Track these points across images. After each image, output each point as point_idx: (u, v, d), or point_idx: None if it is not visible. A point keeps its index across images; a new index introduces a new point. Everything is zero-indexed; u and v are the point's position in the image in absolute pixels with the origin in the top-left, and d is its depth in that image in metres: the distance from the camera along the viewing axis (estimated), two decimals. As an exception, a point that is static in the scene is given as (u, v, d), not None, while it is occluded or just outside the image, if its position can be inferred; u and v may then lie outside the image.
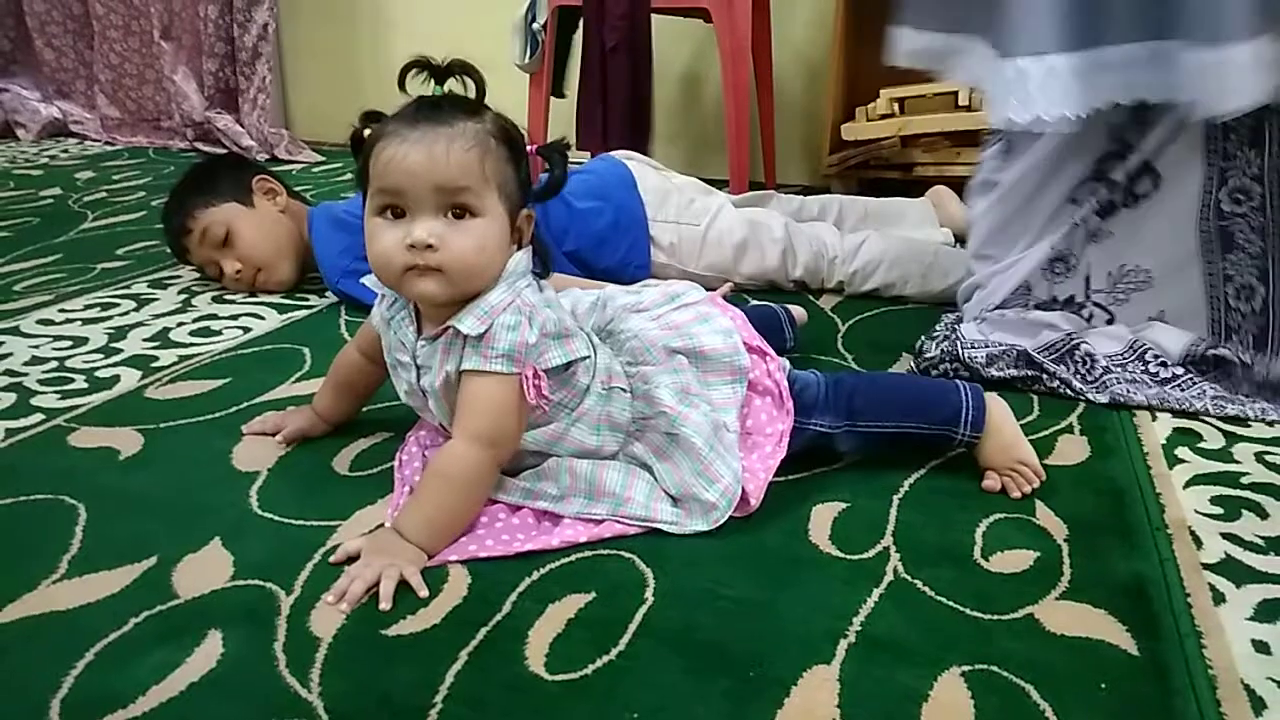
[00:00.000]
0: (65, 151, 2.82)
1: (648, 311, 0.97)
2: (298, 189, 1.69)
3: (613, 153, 1.66)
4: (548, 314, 0.85)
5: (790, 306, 1.30)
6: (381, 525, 0.86)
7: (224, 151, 2.66)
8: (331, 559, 0.82)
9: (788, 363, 0.99)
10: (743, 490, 0.87)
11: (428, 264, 0.80)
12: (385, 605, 0.75)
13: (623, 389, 0.90)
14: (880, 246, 1.52)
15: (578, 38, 2.08)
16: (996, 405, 0.96)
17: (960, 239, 1.75)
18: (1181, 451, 1.03)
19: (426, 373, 0.87)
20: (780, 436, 0.93)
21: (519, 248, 0.87)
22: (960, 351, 1.18)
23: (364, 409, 1.06)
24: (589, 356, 0.88)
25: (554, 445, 0.89)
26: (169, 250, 1.60)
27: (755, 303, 1.36)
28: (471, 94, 0.85)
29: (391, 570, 0.77)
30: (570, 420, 0.88)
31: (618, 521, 0.86)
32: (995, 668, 0.69)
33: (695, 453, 0.86)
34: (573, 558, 0.83)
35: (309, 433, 1.03)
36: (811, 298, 1.53)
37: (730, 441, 0.89)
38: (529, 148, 0.88)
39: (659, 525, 0.86)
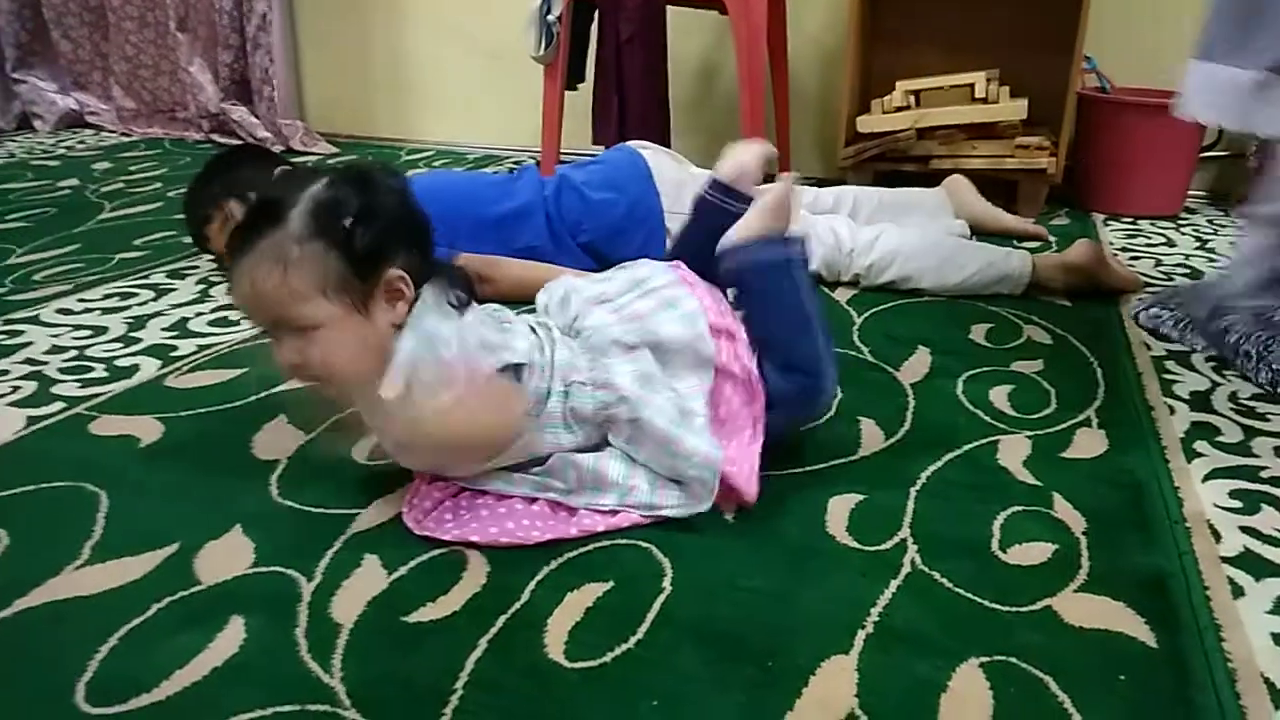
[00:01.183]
0: (82, 143, 2.84)
1: (610, 302, 0.95)
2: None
3: (629, 143, 1.65)
4: (468, 333, 0.84)
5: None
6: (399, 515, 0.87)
7: (242, 142, 2.66)
8: None
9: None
10: (737, 482, 0.86)
11: (306, 379, 0.86)
12: None
13: (582, 382, 0.89)
14: (896, 239, 1.52)
15: (593, 30, 2.08)
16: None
17: (975, 230, 1.75)
18: (1200, 445, 1.02)
19: (382, 435, 0.89)
20: (756, 421, 0.92)
21: (407, 300, 0.85)
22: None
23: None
24: (527, 364, 0.87)
25: (533, 452, 0.89)
26: (189, 239, 1.61)
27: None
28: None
29: None
30: (539, 427, 0.88)
31: (629, 511, 0.86)
32: (1014, 659, 0.69)
33: (661, 435, 0.85)
34: (590, 547, 0.83)
35: None
36: (827, 290, 1.53)
37: (700, 426, 0.88)
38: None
39: (665, 511, 0.86)
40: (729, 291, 1.00)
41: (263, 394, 1.13)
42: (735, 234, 0.98)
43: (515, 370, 0.86)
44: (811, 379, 0.94)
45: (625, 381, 0.87)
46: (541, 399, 0.88)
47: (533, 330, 0.92)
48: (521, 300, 1.03)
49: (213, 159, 1.59)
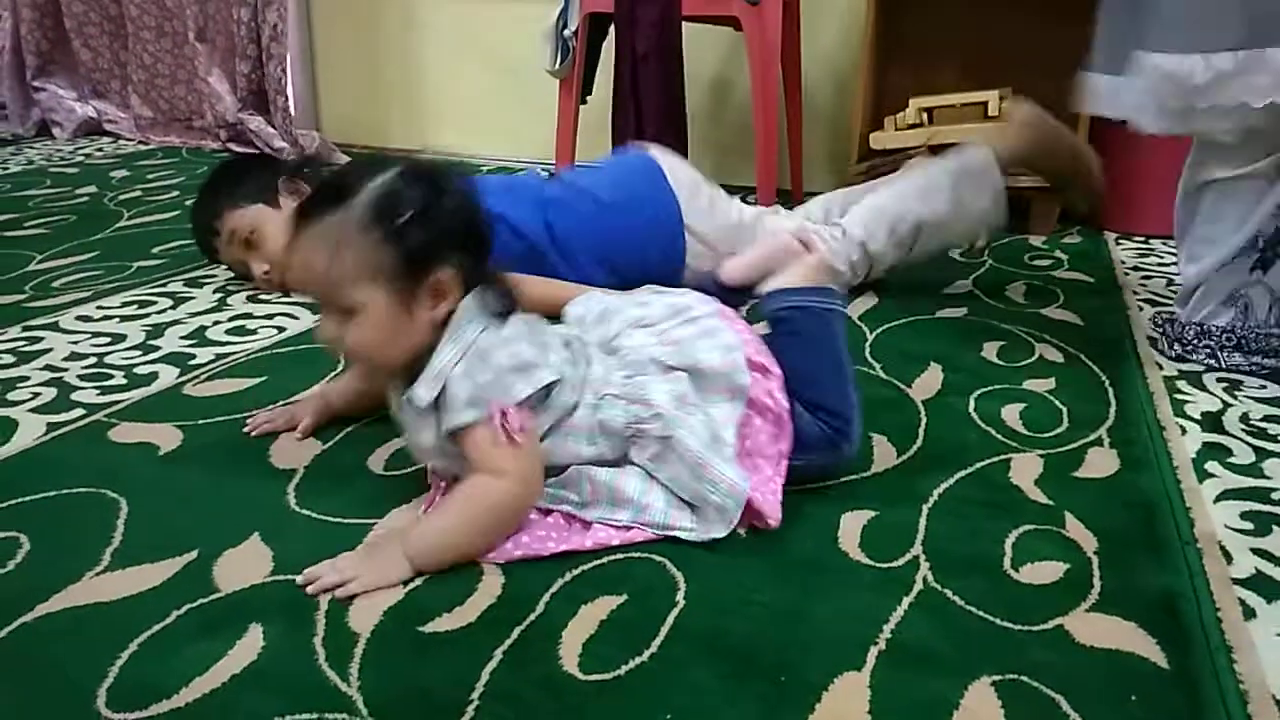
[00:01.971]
0: (100, 150, 2.86)
1: (652, 327, 0.95)
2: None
3: (638, 145, 1.61)
4: (504, 351, 0.85)
5: None
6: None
7: (245, 151, 2.69)
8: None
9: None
10: (761, 509, 0.87)
11: (342, 355, 0.93)
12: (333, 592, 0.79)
13: (615, 395, 0.89)
14: (872, 196, 1.58)
15: (608, 45, 2.09)
16: None
17: None
18: (1211, 466, 1.03)
19: (409, 433, 0.90)
20: (780, 458, 0.92)
21: (450, 302, 0.86)
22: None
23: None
24: (559, 380, 0.88)
25: (550, 459, 0.89)
26: (200, 249, 1.62)
27: None
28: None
29: (356, 585, 0.79)
30: (561, 435, 0.89)
31: (642, 528, 0.87)
32: (1025, 678, 0.70)
33: (691, 456, 0.86)
34: (604, 560, 0.84)
35: (321, 420, 1.08)
36: (839, 306, 1.53)
37: (728, 455, 0.88)
38: None
39: (678, 533, 0.86)
40: (760, 325, 1.01)
41: (279, 403, 1.14)
42: (782, 281, 1.01)
43: (548, 388, 0.87)
44: (839, 422, 0.94)
45: (661, 399, 0.88)
46: (568, 411, 0.89)
47: (565, 344, 0.93)
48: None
49: (218, 168, 1.59)
